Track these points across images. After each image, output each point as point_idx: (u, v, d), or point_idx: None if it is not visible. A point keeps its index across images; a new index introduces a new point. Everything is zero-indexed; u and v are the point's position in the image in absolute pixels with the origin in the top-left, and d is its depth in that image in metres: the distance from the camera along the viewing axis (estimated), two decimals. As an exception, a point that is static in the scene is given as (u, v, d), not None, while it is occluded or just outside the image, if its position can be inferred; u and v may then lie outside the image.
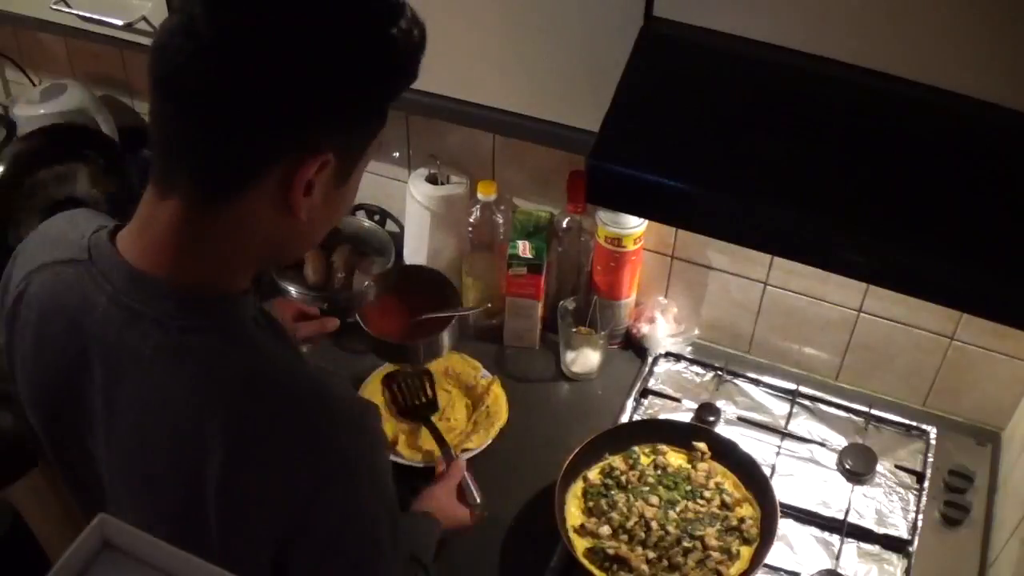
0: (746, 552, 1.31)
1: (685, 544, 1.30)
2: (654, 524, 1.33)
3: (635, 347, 1.68)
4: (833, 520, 1.40)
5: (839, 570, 1.34)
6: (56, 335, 0.91)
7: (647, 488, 1.39)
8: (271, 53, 0.77)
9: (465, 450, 1.47)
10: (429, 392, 1.53)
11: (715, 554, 1.29)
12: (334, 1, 0.80)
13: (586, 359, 1.62)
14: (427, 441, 1.47)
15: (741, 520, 1.34)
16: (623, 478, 1.40)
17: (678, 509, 1.36)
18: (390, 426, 1.51)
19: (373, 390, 1.56)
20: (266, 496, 0.85)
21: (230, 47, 0.77)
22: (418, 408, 1.52)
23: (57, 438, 0.97)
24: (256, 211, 0.83)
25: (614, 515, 1.34)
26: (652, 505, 1.36)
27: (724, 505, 1.37)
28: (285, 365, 0.88)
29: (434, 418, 1.53)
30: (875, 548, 1.38)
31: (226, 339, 0.86)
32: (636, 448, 1.45)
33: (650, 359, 1.66)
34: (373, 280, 1.52)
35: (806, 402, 1.59)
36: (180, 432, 0.85)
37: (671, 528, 1.32)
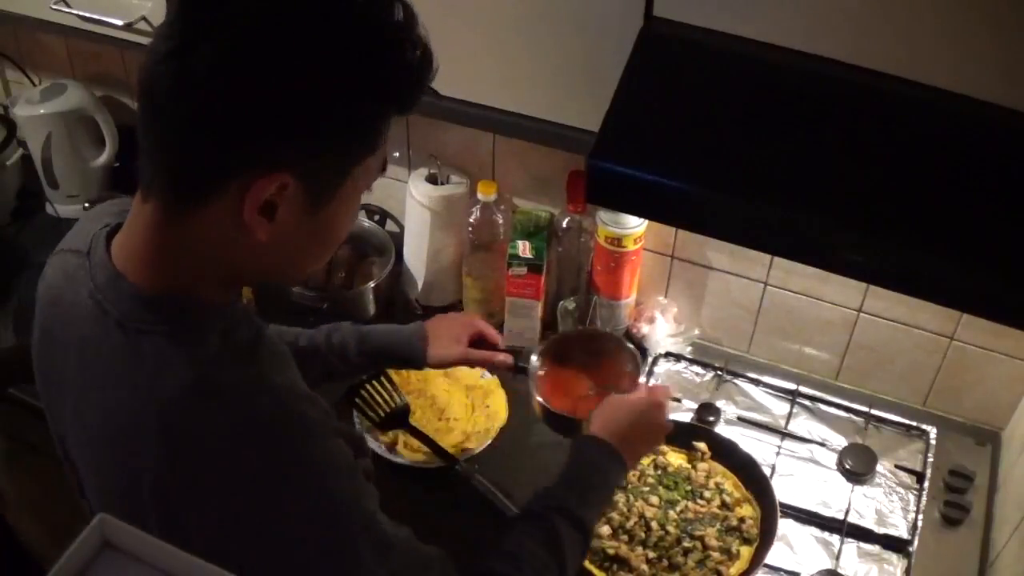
0: (746, 552, 1.31)
1: (685, 544, 1.30)
2: (654, 524, 1.33)
3: (635, 347, 1.68)
4: (833, 520, 1.40)
5: (839, 570, 1.34)
6: (52, 323, 0.93)
7: (647, 488, 1.39)
8: (228, 61, 0.74)
9: (465, 450, 1.47)
10: (397, 397, 1.47)
11: (715, 554, 1.29)
12: (316, 13, 0.75)
13: (586, 359, 1.61)
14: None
15: (741, 520, 1.34)
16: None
17: (678, 509, 1.36)
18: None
19: None
20: (199, 509, 0.82)
21: (191, 50, 0.75)
22: (392, 416, 1.46)
23: (56, 425, 0.97)
24: (217, 225, 0.81)
25: (614, 515, 1.34)
26: (652, 505, 1.36)
27: (724, 505, 1.37)
28: (236, 380, 0.84)
29: (436, 419, 1.52)
30: (875, 548, 1.38)
31: (177, 345, 0.83)
32: (636, 448, 1.44)
33: (650, 359, 1.66)
34: (540, 348, 1.38)
35: (806, 402, 1.59)
36: (123, 435, 0.85)
37: (671, 528, 1.32)
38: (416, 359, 1.33)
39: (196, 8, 0.76)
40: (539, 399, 1.31)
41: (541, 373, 1.35)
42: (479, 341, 1.35)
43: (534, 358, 1.35)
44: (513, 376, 1.39)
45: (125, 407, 0.84)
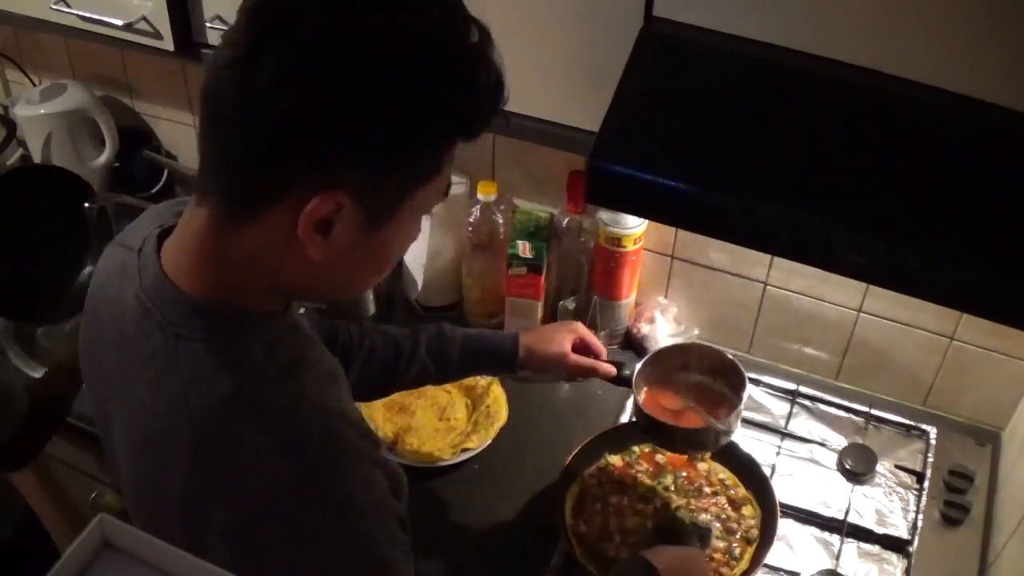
0: (746, 552, 1.31)
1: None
2: (652, 524, 1.33)
3: (635, 347, 1.68)
4: (833, 520, 1.40)
5: (839, 570, 1.34)
6: (98, 314, 0.92)
7: (647, 488, 1.39)
8: (294, 73, 0.72)
9: (465, 450, 1.47)
10: None
11: (716, 555, 1.29)
12: (390, 31, 0.73)
13: (586, 359, 1.61)
14: (428, 442, 1.48)
15: (741, 520, 1.34)
16: (622, 478, 1.40)
17: (678, 509, 1.35)
18: (390, 426, 1.50)
19: None
20: (223, 524, 0.80)
21: (256, 60, 0.72)
22: None
23: (98, 413, 0.96)
24: (269, 238, 0.80)
25: (613, 515, 1.34)
26: (652, 505, 1.36)
27: (730, 502, 1.37)
28: (275, 395, 0.83)
29: (436, 419, 1.52)
30: (875, 548, 1.38)
31: (214, 355, 0.82)
32: (636, 448, 1.45)
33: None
34: (645, 359, 1.36)
35: (806, 402, 1.59)
36: (157, 441, 0.83)
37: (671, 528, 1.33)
38: (511, 364, 1.30)
39: (265, 17, 0.74)
40: (643, 409, 1.31)
41: (643, 385, 1.34)
42: (582, 348, 1.32)
43: (638, 367, 1.33)
44: (617, 386, 1.35)
45: (160, 413, 0.83)
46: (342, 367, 1.11)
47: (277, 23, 0.73)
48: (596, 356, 1.33)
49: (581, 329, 1.34)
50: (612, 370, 1.32)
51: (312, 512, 0.80)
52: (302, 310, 0.97)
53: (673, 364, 1.36)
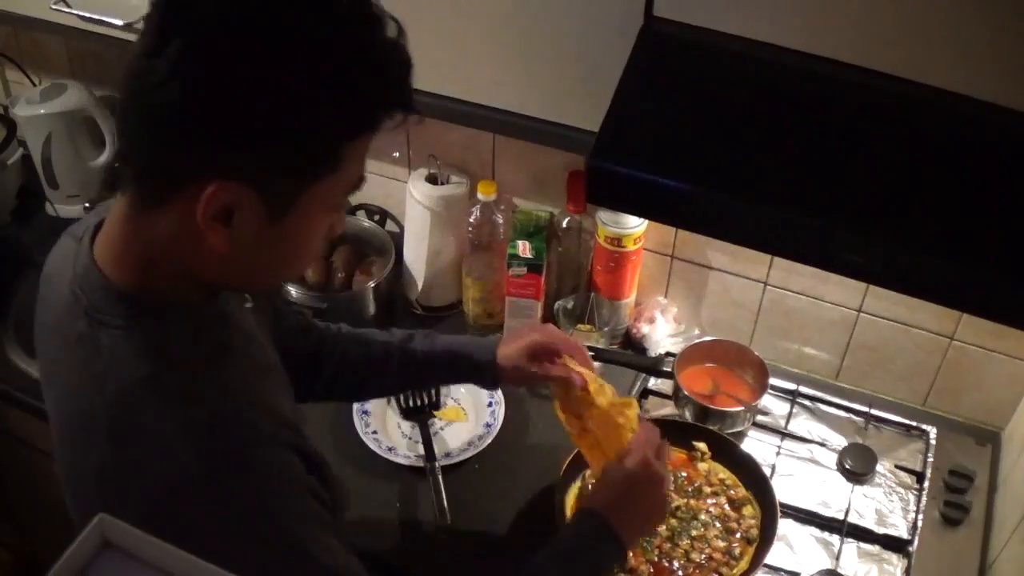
0: (747, 552, 1.31)
1: (685, 545, 1.30)
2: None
3: (635, 347, 1.68)
4: (833, 520, 1.40)
5: (839, 570, 1.34)
6: (43, 300, 0.95)
7: (647, 488, 1.38)
8: (188, 64, 0.73)
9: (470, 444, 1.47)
10: (432, 393, 1.53)
11: (716, 555, 1.29)
12: (280, 31, 0.74)
13: (586, 358, 1.61)
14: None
15: (741, 520, 1.34)
16: (623, 478, 1.40)
17: (676, 508, 1.35)
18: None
19: None
20: (133, 507, 0.80)
21: (157, 51, 0.74)
22: (418, 409, 1.53)
23: (45, 399, 0.98)
24: (179, 227, 0.81)
25: (614, 515, 1.34)
26: (652, 505, 1.36)
27: (730, 502, 1.37)
28: (189, 381, 0.84)
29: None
30: (875, 548, 1.38)
31: (131, 341, 0.83)
32: (636, 448, 1.44)
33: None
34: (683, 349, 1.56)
35: (806, 402, 1.59)
36: (75, 422, 0.86)
37: (671, 528, 1.32)
38: (485, 373, 1.24)
39: (170, 8, 0.75)
40: (682, 388, 1.50)
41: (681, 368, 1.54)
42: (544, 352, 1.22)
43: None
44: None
45: (81, 395, 0.85)
46: (312, 367, 1.16)
47: (180, 14, 0.74)
48: (573, 356, 1.21)
49: (553, 336, 1.23)
50: (580, 381, 1.17)
51: (218, 496, 0.81)
52: (249, 304, 1.00)
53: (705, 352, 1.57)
